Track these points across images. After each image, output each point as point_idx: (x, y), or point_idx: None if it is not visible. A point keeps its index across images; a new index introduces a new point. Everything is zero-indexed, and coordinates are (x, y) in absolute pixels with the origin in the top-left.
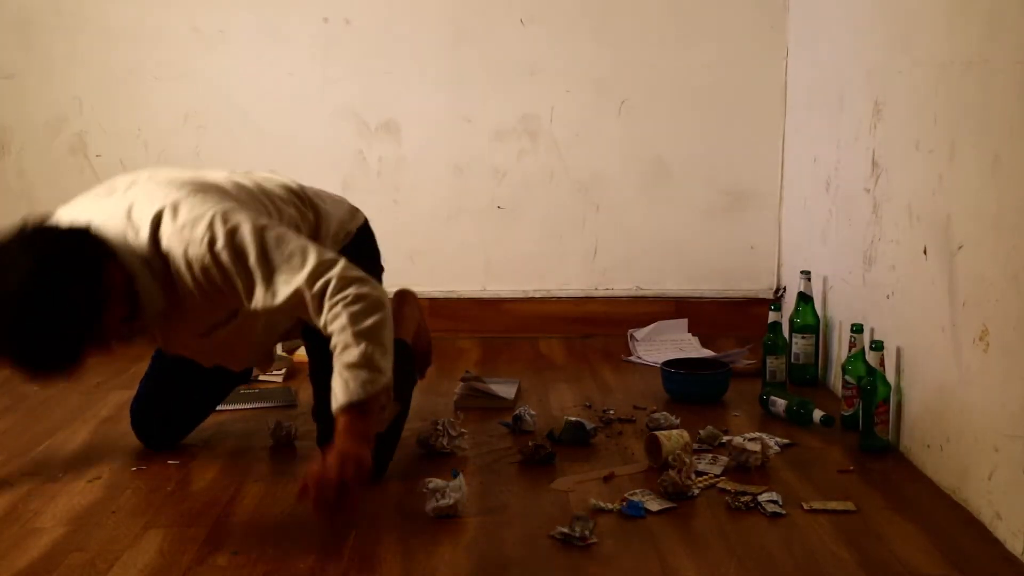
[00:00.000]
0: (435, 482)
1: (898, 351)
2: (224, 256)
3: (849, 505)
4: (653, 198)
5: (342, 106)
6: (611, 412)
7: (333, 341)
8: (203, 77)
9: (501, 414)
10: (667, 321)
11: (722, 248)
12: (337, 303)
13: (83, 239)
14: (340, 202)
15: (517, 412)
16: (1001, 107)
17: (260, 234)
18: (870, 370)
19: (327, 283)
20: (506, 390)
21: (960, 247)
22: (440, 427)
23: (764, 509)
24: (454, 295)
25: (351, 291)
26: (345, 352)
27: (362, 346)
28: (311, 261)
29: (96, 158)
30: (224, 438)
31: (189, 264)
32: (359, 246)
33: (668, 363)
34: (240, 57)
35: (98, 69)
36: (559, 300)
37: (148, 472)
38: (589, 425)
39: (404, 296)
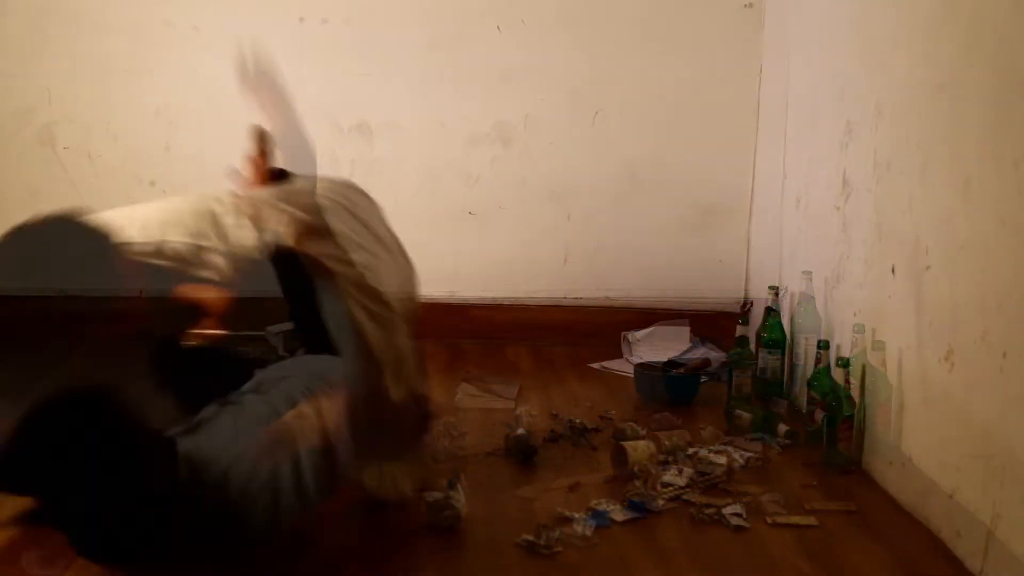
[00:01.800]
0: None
1: (863, 368)
2: None
3: (811, 520)
4: (624, 209)
5: (315, 107)
6: (578, 421)
7: None
8: (175, 72)
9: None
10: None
11: (691, 261)
12: None
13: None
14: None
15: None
16: (973, 130)
17: None
18: (835, 386)
19: None
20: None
21: (928, 267)
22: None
23: (728, 522)
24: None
25: None
26: None
27: None
28: None
29: (64, 150)
30: None
31: None
32: None
33: (641, 365)
34: (213, 53)
35: (68, 60)
36: (527, 307)
37: None
38: (533, 441)
39: None
